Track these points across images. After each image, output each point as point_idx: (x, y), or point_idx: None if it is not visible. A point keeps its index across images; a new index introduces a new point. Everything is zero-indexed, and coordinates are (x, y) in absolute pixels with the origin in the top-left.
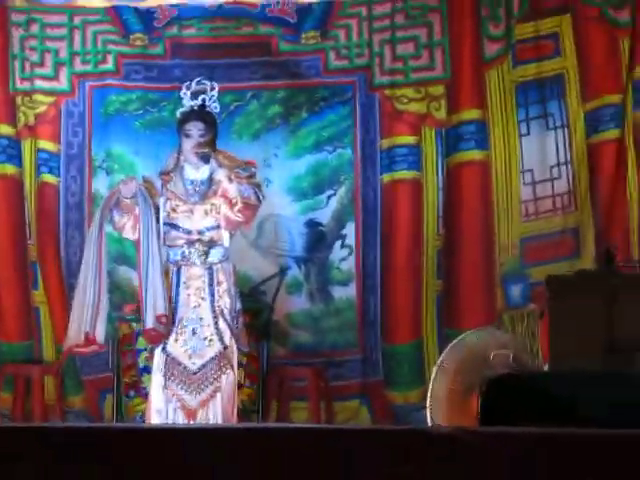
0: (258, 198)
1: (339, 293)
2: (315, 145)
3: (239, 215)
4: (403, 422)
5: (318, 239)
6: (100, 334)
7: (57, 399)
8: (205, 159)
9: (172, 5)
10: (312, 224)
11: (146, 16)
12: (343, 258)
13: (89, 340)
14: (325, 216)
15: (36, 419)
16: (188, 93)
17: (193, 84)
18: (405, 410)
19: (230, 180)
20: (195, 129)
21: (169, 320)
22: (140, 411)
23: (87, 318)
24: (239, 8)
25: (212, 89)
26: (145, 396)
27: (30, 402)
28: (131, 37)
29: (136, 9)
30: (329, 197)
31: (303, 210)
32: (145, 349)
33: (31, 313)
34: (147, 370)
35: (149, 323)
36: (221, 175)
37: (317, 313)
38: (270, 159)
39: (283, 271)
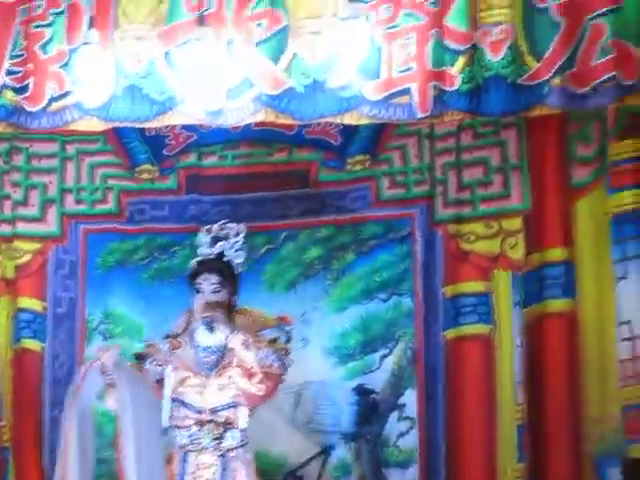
0: (282, 365)
1: (397, 477)
2: (365, 293)
3: (259, 387)
4: None
5: (370, 410)
6: None
7: None
8: (210, 327)
9: (188, 128)
10: (362, 391)
11: (156, 142)
12: (402, 433)
13: None
14: (378, 381)
15: None
16: (208, 239)
17: (214, 228)
18: None
19: (247, 346)
20: (207, 283)
21: None
22: None
23: None
24: (270, 130)
25: (237, 234)
26: None
27: None
28: (137, 169)
29: (143, 134)
30: (383, 357)
31: (350, 375)
32: None
33: None
34: None
35: None
36: (236, 341)
37: None
38: (308, 313)
39: (326, 451)
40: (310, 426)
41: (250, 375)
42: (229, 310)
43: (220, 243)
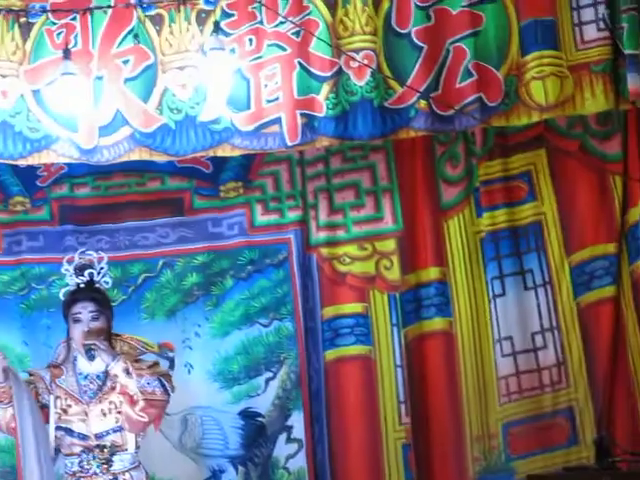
0: (165, 390)
1: None
2: (245, 318)
3: (142, 415)
4: None
5: (257, 433)
6: None
7: None
8: (90, 355)
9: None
10: (248, 415)
11: (27, 174)
12: (290, 455)
13: None
14: (264, 405)
15: None
16: (70, 269)
17: (76, 257)
18: None
19: (128, 373)
20: (85, 311)
21: None
22: None
23: None
24: (142, 160)
25: (100, 260)
26: None
27: None
28: (10, 201)
29: (14, 166)
30: (267, 381)
31: (236, 399)
32: None
33: None
34: None
35: None
36: (117, 369)
37: None
38: (191, 339)
39: (216, 475)
40: (198, 451)
41: (133, 402)
42: (109, 336)
43: (87, 270)
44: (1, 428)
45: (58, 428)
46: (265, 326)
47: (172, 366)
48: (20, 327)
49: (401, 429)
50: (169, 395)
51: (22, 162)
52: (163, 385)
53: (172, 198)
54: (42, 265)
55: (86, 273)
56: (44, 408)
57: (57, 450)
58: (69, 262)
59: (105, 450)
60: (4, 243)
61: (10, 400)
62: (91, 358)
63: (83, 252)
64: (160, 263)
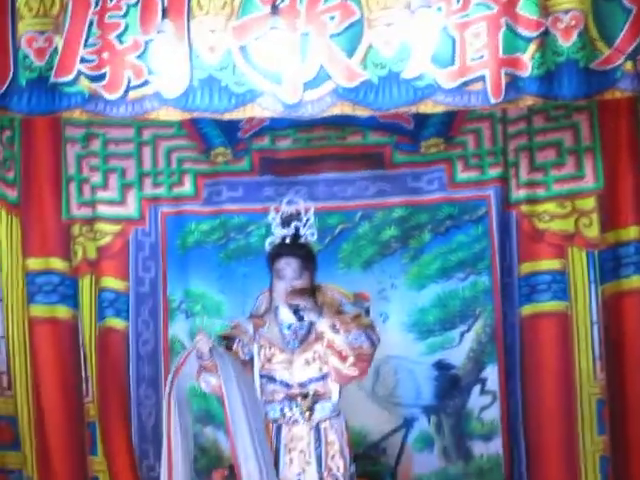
0: (372, 343)
1: (480, 449)
2: (442, 272)
3: (353, 369)
4: None
5: (451, 384)
6: None
7: None
8: (299, 316)
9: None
10: (442, 366)
11: (229, 127)
12: (484, 407)
13: None
14: (459, 357)
15: None
16: (277, 219)
17: (283, 205)
18: None
19: (335, 329)
20: (289, 268)
21: None
22: None
23: None
24: (343, 115)
25: (307, 211)
26: None
27: None
28: (212, 153)
29: (217, 119)
30: (462, 334)
31: (430, 350)
32: None
33: None
34: None
35: None
36: (324, 325)
37: (454, 474)
38: (387, 290)
39: (408, 424)
40: (391, 400)
41: (342, 358)
42: (312, 291)
43: (293, 223)
44: (214, 391)
45: (261, 376)
46: (462, 280)
47: (367, 316)
48: (218, 276)
49: (596, 385)
50: (376, 347)
51: (227, 116)
52: (370, 338)
53: (372, 152)
54: (241, 215)
55: (292, 225)
56: (249, 360)
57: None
58: (276, 211)
59: (307, 398)
60: (204, 193)
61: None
62: (300, 319)
63: (290, 201)
64: (358, 215)
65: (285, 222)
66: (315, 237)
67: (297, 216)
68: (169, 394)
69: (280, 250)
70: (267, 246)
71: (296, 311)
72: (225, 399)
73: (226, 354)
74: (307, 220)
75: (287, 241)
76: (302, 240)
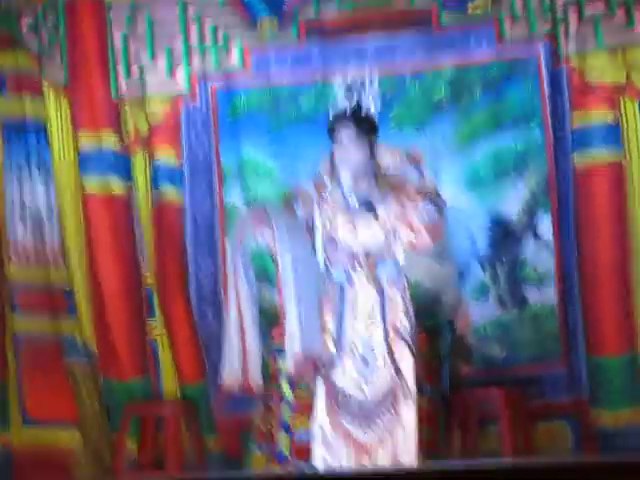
0: (440, 211)
1: (535, 297)
2: (494, 129)
3: (425, 240)
4: (610, 448)
5: (505, 234)
6: (257, 374)
7: (195, 440)
8: (368, 205)
9: None
10: (496, 217)
11: None
12: (538, 256)
13: (247, 381)
14: (513, 208)
15: (171, 465)
16: (343, 87)
17: (349, 77)
18: (612, 433)
19: (402, 203)
20: (345, 136)
21: (316, 361)
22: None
23: (240, 357)
24: None
25: (371, 81)
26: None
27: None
28: (258, 24)
29: None
30: (516, 186)
31: (484, 202)
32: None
33: (146, 346)
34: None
35: (290, 367)
36: (392, 202)
37: (509, 322)
38: (439, 147)
39: (464, 274)
40: (446, 251)
41: (413, 230)
42: (371, 163)
43: (356, 93)
44: (269, 245)
45: (325, 240)
46: (514, 136)
47: (422, 173)
48: (269, 143)
49: None
50: (444, 214)
51: None
52: (437, 206)
53: (419, 14)
54: (290, 85)
55: (354, 95)
56: (311, 224)
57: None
58: (343, 80)
59: (370, 260)
60: (253, 65)
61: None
62: (369, 209)
63: (355, 72)
64: (408, 77)
65: (348, 92)
66: (377, 108)
67: (360, 86)
68: (235, 253)
69: (340, 119)
70: (330, 116)
71: (364, 201)
72: (279, 257)
73: (283, 216)
74: (370, 90)
75: (348, 110)
76: (363, 110)
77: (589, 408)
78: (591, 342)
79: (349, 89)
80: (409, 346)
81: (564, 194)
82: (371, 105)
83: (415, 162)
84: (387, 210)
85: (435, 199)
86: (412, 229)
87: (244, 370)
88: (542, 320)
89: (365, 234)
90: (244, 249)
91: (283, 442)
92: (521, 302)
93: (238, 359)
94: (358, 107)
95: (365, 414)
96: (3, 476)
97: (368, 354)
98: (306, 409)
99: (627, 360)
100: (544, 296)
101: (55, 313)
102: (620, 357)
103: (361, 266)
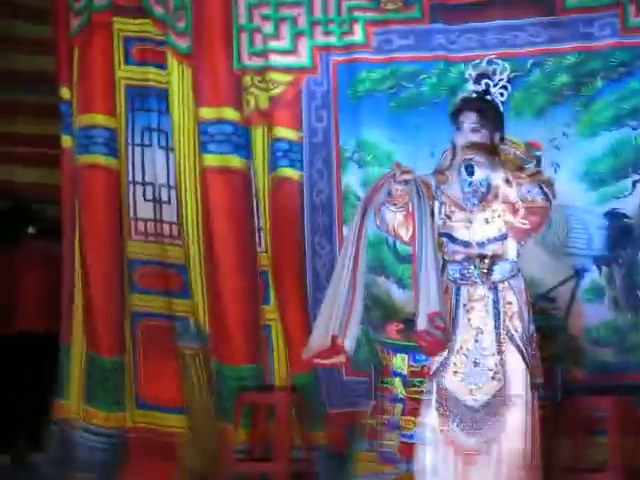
0: (547, 197)
1: None
2: (615, 120)
3: (524, 222)
4: None
5: (623, 234)
6: (350, 342)
7: (302, 433)
8: (469, 171)
9: None
10: (615, 216)
11: None
12: None
13: (336, 346)
14: (631, 206)
15: (280, 456)
16: (474, 74)
17: (484, 63)
18: None
19: (507, 182)
20: (467, 122)
21: (446, 324)
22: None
23: (336, 321)
24: None
25: (502, 72)
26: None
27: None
28: (382, 0)
29: None
30: (635, 183)
31: (602, 199)
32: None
33: (260, 332)
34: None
35: (421, 325)
36: (497, 179)
37: (624, 325)
38: (558, 139)
39: (579, 274)
40: (562, 249)
41: (514, 211)
42: (490, 149)
43: (484, 80)
44: (388, 230)
45: (441, 234)
46: (634, 129)
47: (539, 165)
48: (389, 125)
49: None
50: (551, 202)
51: None
52: (543, 191)
53: None
54: (412, 63)
55: (483, 82)
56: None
57: None
58: (474, 67)
59: (486, 259)
60: (375, 42)
61: (403, 206)
62: (470, 174)
63: (490, 61)
64: (529, 62)
65: (477, 79)
66: (504, 98)
67: (491, 74)
68: (362, 217)
69: (462, 104)
70: (455, 100)
71: (468, 166)
72: (416, 230)
73: (422, 191)
74: (500, 79)
75: (472, 96)
76: (491, 98)
77: None
78: None
79: (480, 77)
80: (521, 351)
81: None
82: (498, 95)
83: (534, 153)
84: (495, 191)
85: (544, 186)
86: (513, 210)
87: (342, 328)
88: None
89: (481, 232)
90: (364, 224)
91: (392, 441)
92: (636, 305)
93: (334, 326)
94: (486, 92)
95: (473, 419)
96: (118, 457)
97: (479, 357)
98: (417, 410)
99: None
100: None
101: (170, 292)
102: None
103: (475, 265)
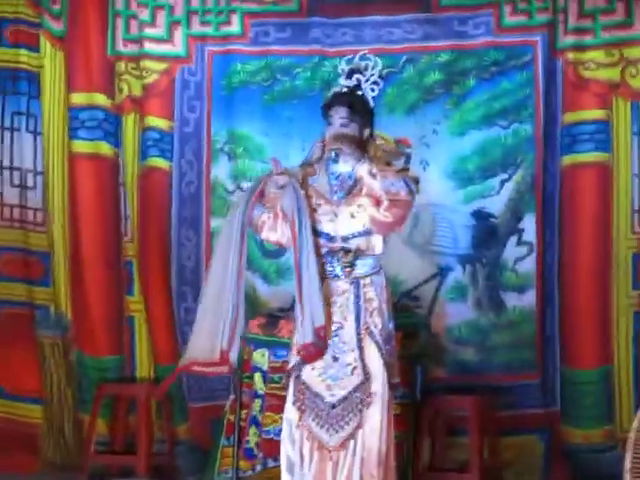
0: (410, 191)
1: (513, 301)
2: (485, 119)
3: (386, 215)
4: (579, 467)
5: (488, 234)
6: (234, 354)
7: (164, 426)
8: (334, 159)
9: None
10: (481, 215)
11: None
12: (520, 258)
13: (223, 360)
14: (497, 206)
15: (141, 449)
16: (346, 69)
17: (356, 58)
18: (583, 451)
19: (372, 174)
20: (337, 116)
21: (328, 334)
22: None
23: (224, 334)
24: None
25: (374, 67)
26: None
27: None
28: None
29: None
30: (502, 182)
31: (469, 198)
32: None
33: (123, 322)
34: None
35: (307, 338)
36: (362, 170)
37: (485, 325)
38: (428, 137)
39: (443, 272)
40: (427, 247)
41: (378, 203)
42: (359, 143)
43: (356, 75)
44: (251, 225)
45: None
46: (504, 128)
47: (408, 162)
48: (262, 118)
49: (633, 238)
50: (414, 196)
51: None
52: (408, 185)
53: None
54: (288, 57)
55: (354, 77)
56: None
57: None
58: (347, 62)
59: (349, 254)
60: (251, 33)
61: (271, 208)
62: (334, 161)
63: (363, 56)
64: (403, 59)
65: (349, 74)
66: (375, 93)
67: (363, 70)
68: (243, 220)
69: (333, 98)
70: (327, 93)
71: (333, 155)
72: (296, 237)
73: (302, 194)
74: (372, 75)
75: (342, 91)
76: (361, 93)
77: (560, 423)
78: (564, 352)
79: (352, 72)
80: (379, 348)
81: (550, 192)
82: (369, 90)
83: (403, 149)
84: (360, 182)
85: (408, 180)
86: (376, 202)
87: (229, 342)
88: (518, 326)
89: (346, 226)
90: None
91: (252, 437)
92: (498, 306)
93: (222, 339)
94: (357, 87)
95: (331, 415)
96: None
97: (338, 352)
98: (277, 406)
99: (601, 374)
100: (523, 301)
101: (31, 280)
102: (594, 371)
103: (338, 259)
